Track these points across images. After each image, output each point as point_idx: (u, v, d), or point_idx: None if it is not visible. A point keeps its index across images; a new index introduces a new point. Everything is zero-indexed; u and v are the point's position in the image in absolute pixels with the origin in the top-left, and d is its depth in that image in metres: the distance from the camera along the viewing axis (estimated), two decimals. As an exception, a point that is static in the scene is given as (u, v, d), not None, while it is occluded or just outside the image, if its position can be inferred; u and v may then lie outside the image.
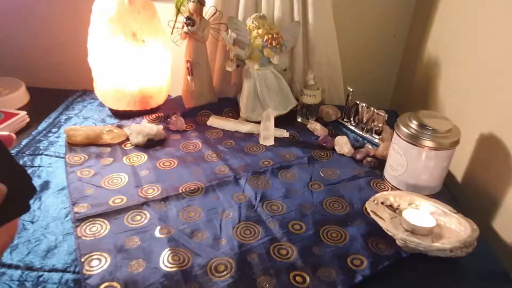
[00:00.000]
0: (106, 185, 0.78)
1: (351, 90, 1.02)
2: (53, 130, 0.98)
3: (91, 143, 0.91)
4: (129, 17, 0.93)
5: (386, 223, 0.68)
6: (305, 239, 0.67)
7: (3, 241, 0.36)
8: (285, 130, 1.00)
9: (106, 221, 0.69)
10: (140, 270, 0.60)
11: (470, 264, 0.64)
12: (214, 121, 1.04)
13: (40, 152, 0.89)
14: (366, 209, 0.72)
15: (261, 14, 1.02)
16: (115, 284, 0.57)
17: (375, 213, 0.69)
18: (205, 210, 0.73)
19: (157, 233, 0.67)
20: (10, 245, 0.38)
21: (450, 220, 0.67)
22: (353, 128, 1.03)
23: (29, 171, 0.82)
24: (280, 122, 1.01)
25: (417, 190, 0.76)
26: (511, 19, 0.74)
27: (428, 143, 0.73)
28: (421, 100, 1.09)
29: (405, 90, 1.23)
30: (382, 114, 0.95)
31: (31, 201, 0.40)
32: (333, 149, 0.94)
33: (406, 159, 0.77)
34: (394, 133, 0.80)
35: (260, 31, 0.99)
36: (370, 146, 0.94)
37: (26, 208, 0.37)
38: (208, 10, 1.02)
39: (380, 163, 0.88)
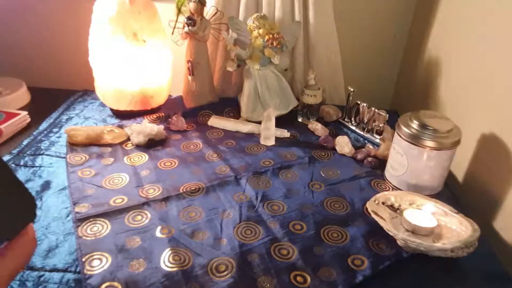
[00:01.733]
0: (107, 185, 0.78)
1: (352, 90, 1.02)
2: (54, 130, 0.98)
3: (92, 143, 0.91)
4: (129, 17, 0.93)
5: (387, 223, 0.67)
6: (306, 239, 0.67)
7: (19, 261, 0.35)
8: (286, 130, 1.00)
9: (107, 221, 0.69)
10: (141, 270, 0.60)
11: (471, 264, 0.64)
12: (215, 121, 1.04)
13: (41, 152, 0.89)
14: (367, 209, 0.72)
15: (262, 14, 1.03)
16: (116, 284, 0.57)
17: (376, 213, 0.69)
18: (206, 210, 0.73)
19: (157, 233, 0.67)
20: (27, 263, 0.38)
21: (451, 220, 0.67)
22: (354, 128, 1.03)
23: (30, 171, 0.82)
24: (281, 122, 1.01)
25: (418, 190, 0.76)
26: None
27: (429, 143, 0.73)
28: (422, 100, 1.09)
29: (406, 90, 1.23)
30: (383, 114, 0.95)
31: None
32: (334, 149, 0.94)
33: (407, 159, 0.77)
34: (395, 133, 0.79)
35: (261, 31, 0.99)
36: (371, 146, 0.94)
37: (30, 218, 0.37)
38: (208, 10, 1.02)
39: (381, 163, 0.88)
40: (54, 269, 0.60)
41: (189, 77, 1.04)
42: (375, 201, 0.72)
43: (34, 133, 0.96)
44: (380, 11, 1.17)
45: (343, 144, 0.93)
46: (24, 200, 0.36)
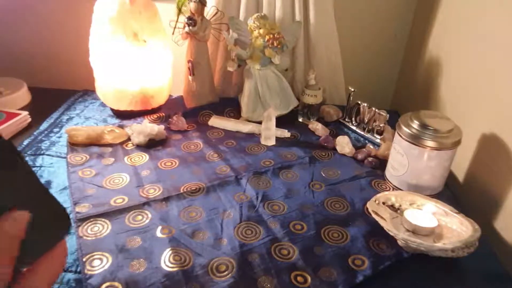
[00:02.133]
0: (107, 185, 0.78)
1: (352, 90, 1.02)
2: (55, 130, 0.98)
3: (93, 143, 0.91)
4: (130, 17, 0.93)
5: (387, 223, 0.67)
6: (306, 239, 0.67)
7: (52, 272, 0.34)
8: (286, 130, 1.00)
9: (107, 221, 0.69)
10: (141, 270, 0.60)
11: (472, 264, 0.64)
12: (215, 121, 1.04)
13: (42, 152, 0.89)
14: (367, 209, 0.72)
15: (262, 14, 1.03)
16: (116, 284, 0.57)
17: (376, 213, 0.69)
18: (206, 210, 0.73)
19: (158, 233, 0.67)
20: (60, 274, 0.37)
21: (451, 220, 0.67)
22: (354, 128, 1.03)
23: (31, 171, 0.82)
24: (281, 122, 1.01)
25: (419, 190, 0.76)
26: (513, 19, 0.73)
27: (429, 143, 0.73)
28: (422, 100, 1.09)
29: (407, 90, 1.23)
30: (384, 114, 0.95)
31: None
32: (334, 149, 0.94)
33: (408, 159, 0.77)
34: (396, 133, 0.79)
35: (261, 31, 0.99)
36: (371, 146, 0.94)
37: (66, 232, 0.36)
38: (209, 10, 1.02)
39: (381, 163, 0.88)
40: (54, 269, 0.60)
41: (190, 77, 1.04)
42: (375, 201, 0.72)
43: (35, 133, 0.96)
44: (380, 11, 1.17)
45: (343, 144, 0.93)
46: (57, 214, 0.36)
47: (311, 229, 0.69)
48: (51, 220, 0.35)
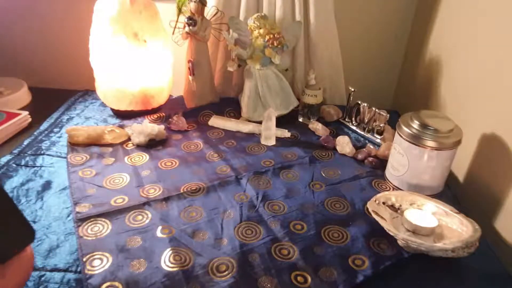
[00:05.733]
0: (107, 185, 0.78)
1: (352, 90, 1.02)
2: (55, 130, 0.99)
3: (93, 143, 0.91)
4: (130, 17, 0.93)
5: (387, 223, 0.67)
6: (307, 239, 0.67)
7: (18, 279, 0.35)
8: (287, 130, 1.00)
9: (107, 221, 0.69)
10: (141, 270, 0.60)
11: (472, 264, 0.64)
12: (216, 121, 1.04)
13: (42, 152, 0.89)
14: (367, 209, 0.72)
15: (263, 14, 1.03)
16: (116, 283, 0.57)
17: (376, 213, 0.69)
18: (207, 210, 0.73)
19: (158, 233, 0.67)
20: (26, 280, 0.38)
21: (452, 220, 0.67)
22: (354, 128, 1.03)
23: (31, 171, 0.82)
24: (281, 122, 1.01)
25: (419, 190, 0.76)
26: (513, 19, 0.73)
27: (430, 143, 0.73)
28: (422, 100, 1.09)
29: (407, 90, 1.23)
30: (384, 114, 0.95)
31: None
32: (334, 149, 0.94)
33: (408, 159, 0.77)
34: (396, 133, 0.79)
35: (261, 31, 0.99)
36: (371, 146, 0.94)
37: (28, 240, 0.37)
38: (209, 10, 1.02)
39: (381, 163, 0.88)
40: (55, 269, 0.60)
41: (190, 77, 1.04)
42: (375, 201, 0.72)
43: (35, 133, 0.96)
44: (381, 11, 1.17)
45: (343, 144, 0.93)
46: (20, 227, 0.36)
47: (311, 229, 0.69)
48: (13, 229, 0.36)
